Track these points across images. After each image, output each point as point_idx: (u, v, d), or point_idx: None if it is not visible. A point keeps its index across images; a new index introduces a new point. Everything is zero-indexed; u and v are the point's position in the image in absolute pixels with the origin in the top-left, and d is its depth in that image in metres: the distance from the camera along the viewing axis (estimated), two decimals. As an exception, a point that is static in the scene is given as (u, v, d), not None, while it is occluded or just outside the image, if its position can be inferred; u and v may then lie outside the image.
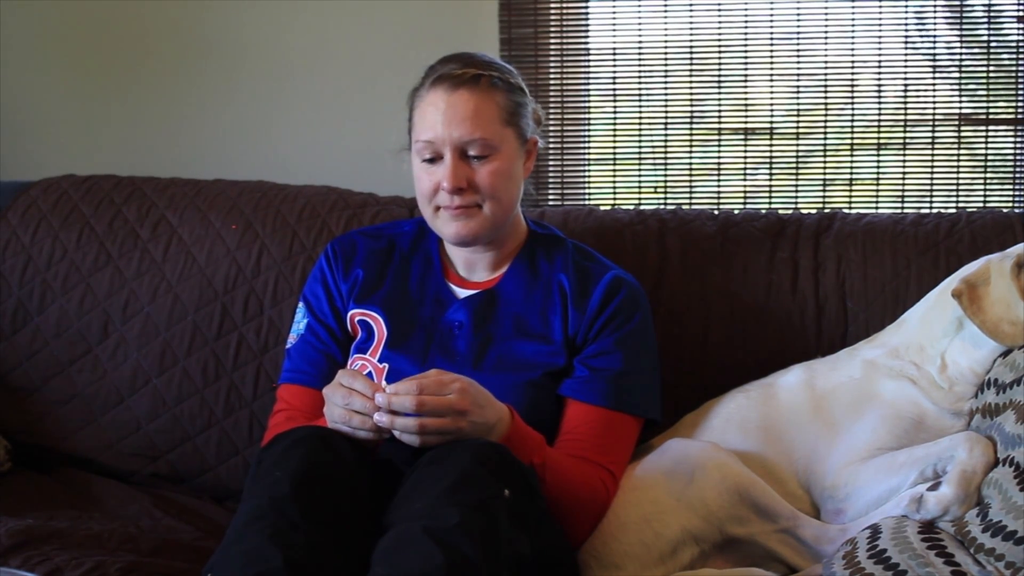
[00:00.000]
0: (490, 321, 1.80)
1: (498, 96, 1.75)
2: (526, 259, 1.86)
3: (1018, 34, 2.45)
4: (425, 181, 1.77)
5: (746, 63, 2.53)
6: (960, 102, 2.49)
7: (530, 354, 1.76)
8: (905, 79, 2.49)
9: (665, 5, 2.54)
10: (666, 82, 2.56)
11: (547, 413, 1.74)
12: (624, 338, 1.77)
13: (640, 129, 2.58)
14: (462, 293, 1.83)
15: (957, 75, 2.50)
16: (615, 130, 2.61)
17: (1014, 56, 2.47)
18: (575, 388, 1.75)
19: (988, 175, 2.51)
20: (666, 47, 2.55)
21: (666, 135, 2.57)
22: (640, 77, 2.57)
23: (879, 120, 2.51)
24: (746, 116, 2.55)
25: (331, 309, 1.87)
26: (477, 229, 1.76)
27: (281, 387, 1.87)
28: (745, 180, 2.57)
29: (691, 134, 2.57)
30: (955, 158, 2.49)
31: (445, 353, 1.77)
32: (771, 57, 2.52)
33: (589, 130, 2.64)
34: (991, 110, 2.48)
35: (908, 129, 2.50)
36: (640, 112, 2.58)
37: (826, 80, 2.51)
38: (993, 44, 2.47)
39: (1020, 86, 2.47)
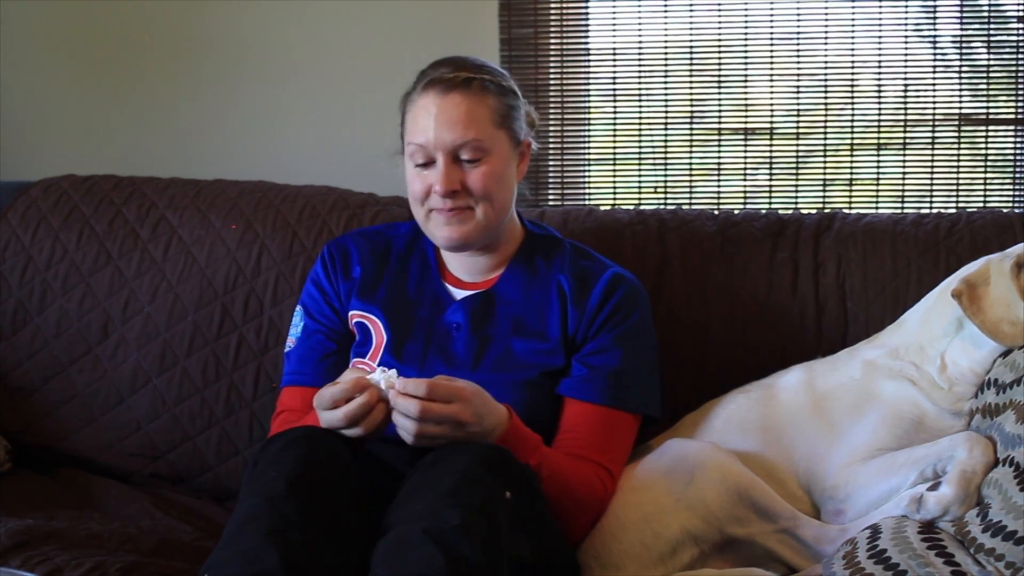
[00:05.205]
0: (488, 322, 1.79)
1: (490, 99, 1.75)
2: (524, 260, 1.85)
3: (1018, 34, 2.45)
4: (417, 184, 1.76)
5: (746, 63, 2.53)
6: (960, 102, 2.49)
7: (527, 354, 1.76)
8: (905, 79, 2.49)
9: (665, 5, 2.54)
10: (666, 82, 2.56)
11: (545, 413, 1.74)
12: (622, 335, 1.77)
13: (640, 129, 2.58)
14: (459, 294, 1.83)
15: (957, 75, 2.50)
16: (615, 130, 2.61)
17: (1014, 56, 2.47)
18: (573, 387, 1.75)
19: (988, 175, 2.51)
20: (666, 47, 2.55)
21: (666, 135, 2.57)
22: (640, 77, 2.57)
23: (879, 120, 2.51)
24: (746, 116, 2.55)
25: (330, 309, 1.86)
26: (469, 233, 1.75)
27: (283, 391, 1.87)
28: (745, 180, 2.57)
29: (691, 134, 2.57)
30: (955, 158, 2.49)
31: (443, 355, 1.77)
32: (771, 57, 2.52)
33: (589, 130, 2.64)
34: (991, 110, 2.48)
35: (908, 129, 2.50)
36: (640, 112, 2.58)
37: (826, 80, 2.51)
38: (993, 44, 2.47)
39: (1020, 86, 2.47)
